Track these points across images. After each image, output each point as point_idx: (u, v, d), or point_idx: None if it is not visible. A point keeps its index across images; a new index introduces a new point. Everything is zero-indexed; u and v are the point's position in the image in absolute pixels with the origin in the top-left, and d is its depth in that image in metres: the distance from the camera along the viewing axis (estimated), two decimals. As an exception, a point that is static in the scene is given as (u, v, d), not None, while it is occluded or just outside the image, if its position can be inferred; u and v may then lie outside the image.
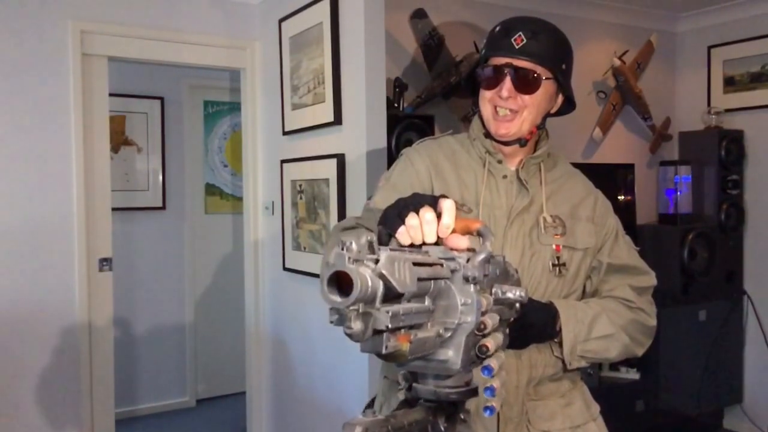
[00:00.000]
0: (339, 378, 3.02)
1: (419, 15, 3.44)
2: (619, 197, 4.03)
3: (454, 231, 0.83)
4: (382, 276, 0.63)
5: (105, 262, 3.31)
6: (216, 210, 5.09)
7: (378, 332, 0.64)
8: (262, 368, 3.73)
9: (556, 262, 1.40)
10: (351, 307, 0.61)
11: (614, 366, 3.77)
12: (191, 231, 4.90)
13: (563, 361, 1.40)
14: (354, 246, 0.62)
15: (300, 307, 3.36)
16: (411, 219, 0.85)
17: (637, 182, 4.16)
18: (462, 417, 0.80)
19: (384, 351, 0.65)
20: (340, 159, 2.91)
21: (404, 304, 0.67)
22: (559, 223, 1.43)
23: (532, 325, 1.30)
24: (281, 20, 3.34)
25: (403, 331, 0.68)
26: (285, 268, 3.42)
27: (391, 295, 0.64)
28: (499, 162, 1.45)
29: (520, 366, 1.39)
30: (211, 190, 5.08)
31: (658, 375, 3.81)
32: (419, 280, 0.68)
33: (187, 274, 4.87)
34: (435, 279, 0.72)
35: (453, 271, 0.75)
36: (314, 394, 3.26)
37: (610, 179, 4.03)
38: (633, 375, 3.77)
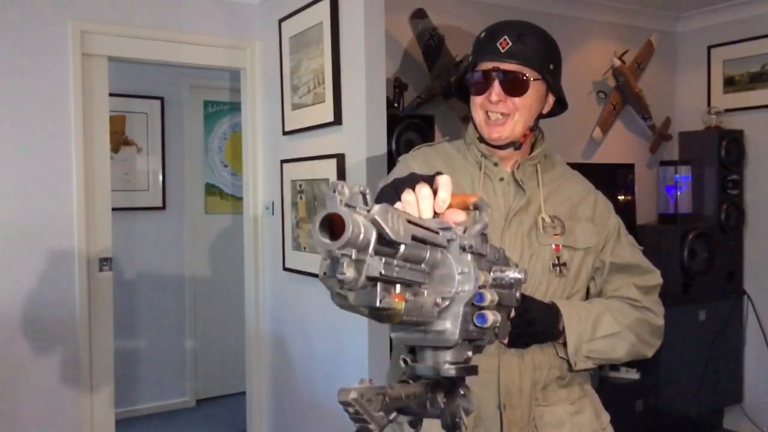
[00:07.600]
0: (339, 377, 3.01)
1: (419, 15, 3.44)
2: (619, 197, 4.03)
3: (450, 206, 0.82)
4: (375, 222, 0.61)
5: (105, 262, 3.31)
6: (216, 210, 5.08)
7: (372, 281, 0.62)
8: (262, 368, 3.73)
9: (557, 262, 1.39)
10: (343, 252, 0.59)
11: (614, 366, 3.77)
12: (191, 231, 4.90)
13: (569, 363, 1.38)
14: (346, 190, 0.60)
15: (300, 307, 3.35)
16: (407, 195, 0.83)
17: (637, 182, 4.16)
18: (462, 392, 0.78)
19: (378, 304, 0.64)
20: (340, 159, 2.90)
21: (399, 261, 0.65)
22: (558, 223, 1.42)
23: (535, 320, 1.29)
24: (281, 20, 3.34)
25: (398, 289, 0.66)
26: (285, 268, 3.42)
27: (385, 245, 0.63)
28: (495, 165, 1.45)
29: (523, 368, 1.36)
30: (211, 190, 5.08)
31: (658, 375, 3.80)
32: (413, 239, 0.67)
33: (187, 274, 4.87)
34: (431, 244, 0.71)
35: (449, 241, 0.74)
36: (314, 394, 3.26)
37: (610, 179, 4.03)
38: (633, 375, 3.76)
